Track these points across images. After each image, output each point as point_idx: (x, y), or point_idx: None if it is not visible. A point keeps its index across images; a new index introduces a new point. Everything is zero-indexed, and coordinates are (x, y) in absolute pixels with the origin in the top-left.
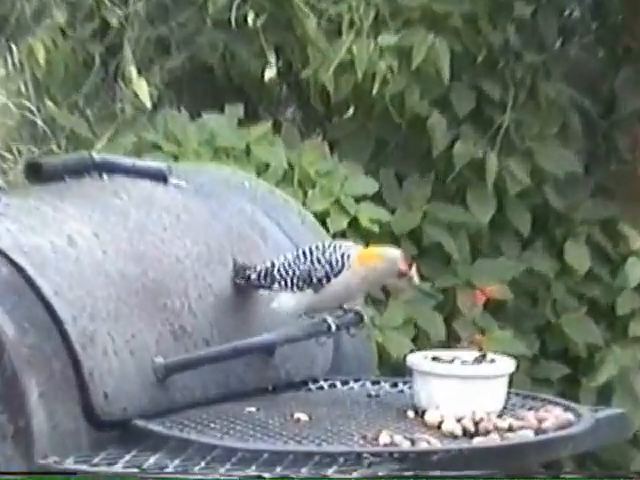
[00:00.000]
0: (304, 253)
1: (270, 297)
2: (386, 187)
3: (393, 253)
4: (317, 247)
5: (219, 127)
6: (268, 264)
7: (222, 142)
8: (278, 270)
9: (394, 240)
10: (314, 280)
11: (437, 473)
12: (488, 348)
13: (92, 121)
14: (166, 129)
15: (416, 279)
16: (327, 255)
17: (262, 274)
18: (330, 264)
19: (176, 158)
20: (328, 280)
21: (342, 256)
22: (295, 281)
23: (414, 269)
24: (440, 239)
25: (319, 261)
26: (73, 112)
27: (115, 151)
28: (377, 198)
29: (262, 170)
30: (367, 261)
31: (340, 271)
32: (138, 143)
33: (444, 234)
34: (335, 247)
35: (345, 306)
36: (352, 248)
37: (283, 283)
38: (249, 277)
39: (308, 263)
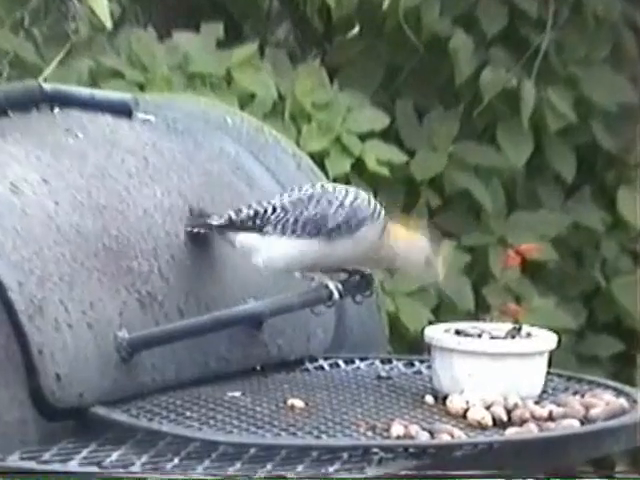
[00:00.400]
0: (316, 193)
1: (250, 253)
2: (403, 123)
3: (423, 240)
4: (335, 188)
5: (194, 49)
6: (259, 205)
7: (198, 67)
8: (274, 210)
9: (410, 188)
10: (331, 225)
11: (462, 472)
12: (525, 320)
13: (40, 43)
14: (130, 52)
15: (440, 274)
16: (351, 198)
17: (251, 214)
18: (357, 210)
19: (142, 88)
20: (349, 229)
21: (375, 206)
22: (301, 224)
23: (440, 261)
24: (469, 186)
25: (341, 204)
26: (17, 32)
27: (68, 79)
28: (390, 137)
29: (247, 102)
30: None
31: (365, 221)
32: (96, 69)
33: (473, 180)
34: (361, 194)
35: (349, 267)
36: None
37: (280, 227)
38: (230, 218)
39: (324, 204)
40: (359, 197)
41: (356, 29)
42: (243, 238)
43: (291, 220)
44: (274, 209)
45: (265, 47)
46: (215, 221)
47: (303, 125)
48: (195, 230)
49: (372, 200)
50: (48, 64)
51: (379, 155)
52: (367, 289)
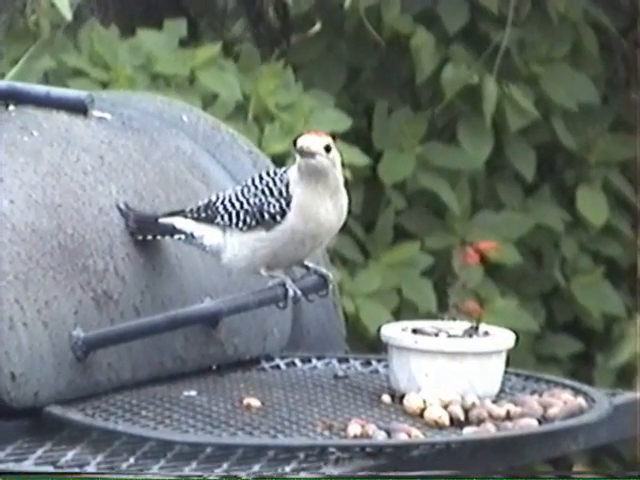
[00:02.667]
0: (253, 182)
1: (218, 254)
2: (376, 124)
3: None
4: (269, 173)
5: (158, 48)
6: (208, 198)
7: (162, 68)
8: (222, 202)
9: (376, 189)
10: (266, 215)
11: (419, 472)
12: (487, 321)
13: None
14: (91, 50)
15: None
16: (278, 181)
17: (201, 207)
18: (282, 193)
19: (104, 86)
20: (283, 215)
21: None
22: (243, 216)
23: None
24: (435, 188)
25: (271, 192)
26: None
27: (26, 77)
28: (351, 137)
29: (210, 102)
30: None
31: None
32: (56, 68)
33: (439, 182)
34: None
35: (310, 265)
36: None
37: (227, 217)
38: (182, 211)
39: (260, 194)
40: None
41: (317, 27)
42: (204, 234)
43: (233, 213)
44: (223, 201)
45: (229, 46)
46: (164, 217)
47: (266, 125)
48: (141, 236)
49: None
50: (6, 61)
51: (342, 157)
52: (323, 289)
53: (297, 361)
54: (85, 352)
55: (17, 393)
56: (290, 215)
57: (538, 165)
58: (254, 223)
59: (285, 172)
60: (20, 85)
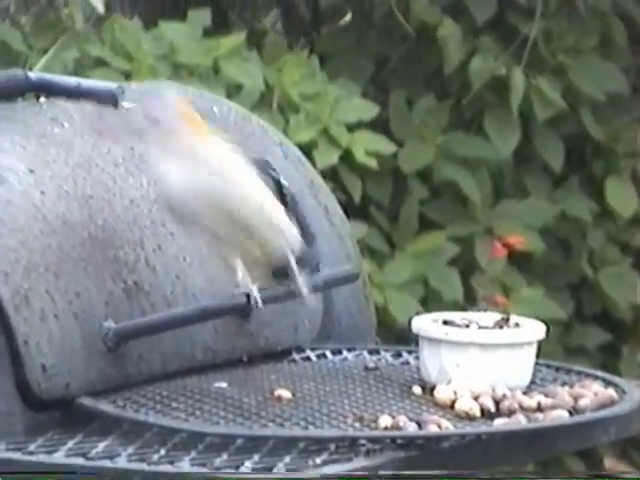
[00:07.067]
0: None
1: None
2: (394, 114)
3: None
4: None
5: (180, 39)
6: None
7: (184, 57)
8: None
9: (399, 178)
10: None
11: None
12: (513, 310)
13: (27, 31)
14: (114, 41)
15: None
16: None
17: None
18: None
19: (128, 77)
20: None
21: None
22: None
23: None
24: (456, 178)
25: None
26: (3, 19)
27: (54, 68)
28: (378, 127)
29: (234, 92)
30: None
31: None
32: (81, 58)
33: (461, 172)
34: None
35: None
36: None
37: None
38: None
39: None
40: None
41: (347, 18)
42: None
43: None
44: None
45: (252, 36)
46: None
47: (291, 115)
48: None
49: None
50: (35, 52)
51: (367, 146)
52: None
53: (328, 353)
54: (116, 343)
55: (48, 385)
56: None
57: (566, 156)
58: None
59: None
60: (50, 76)
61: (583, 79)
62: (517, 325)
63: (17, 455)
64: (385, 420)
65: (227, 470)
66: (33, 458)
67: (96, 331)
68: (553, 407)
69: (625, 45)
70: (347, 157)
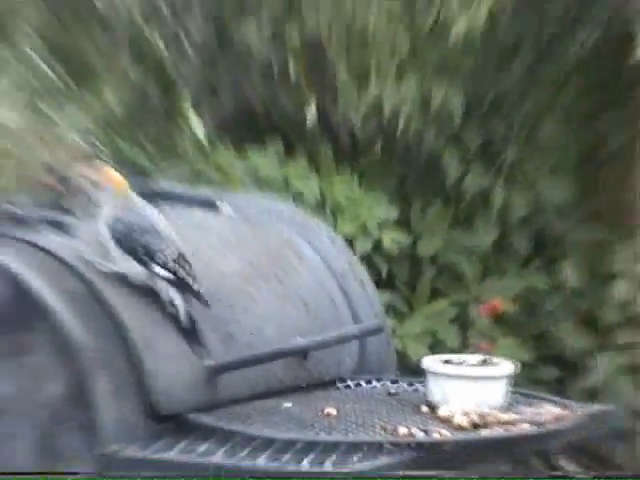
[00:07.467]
0: None
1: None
2: (412, 215)
3: None
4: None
5: (262, 161)
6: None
7: (264, 174)
8: None
9: (413, 261)
10: None
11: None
12: (493, 353)
13: (152, 153)
14: (216, 162)
15: None
16: None
17: None
18: None
19: (225, 188)
20: None
21: None
22: None
23: None
24: (455, 260)
25: None
26: (136, 146)
27: (171, 181)
28: (403, 224)
29: (298, 199)
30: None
31: None
32: (192, 174)
33: (459, 256)
34: None
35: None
36: None
37: None
38: None
39: None
40: None
41: (377, 146)
42: None
43: None
44: None
45: (312, 159)
46: None
47: (339, 215)
48: None
49: None
50: (156, 167)
51: (392, 238)
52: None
53: (362, 382)
54: (214, 375)
55: (165, 405)
56: None
57: (533, 245)
58: None
59: None
60: (168, 185)
61: (545, 190)
62: (495, 364)
63: (144, 453)
64: (402, 430)
65: (291, 465)
66: (155, 456)
67: (201, 367)
68: (521, 421)
69: (574, 165)
70: (378, 246)
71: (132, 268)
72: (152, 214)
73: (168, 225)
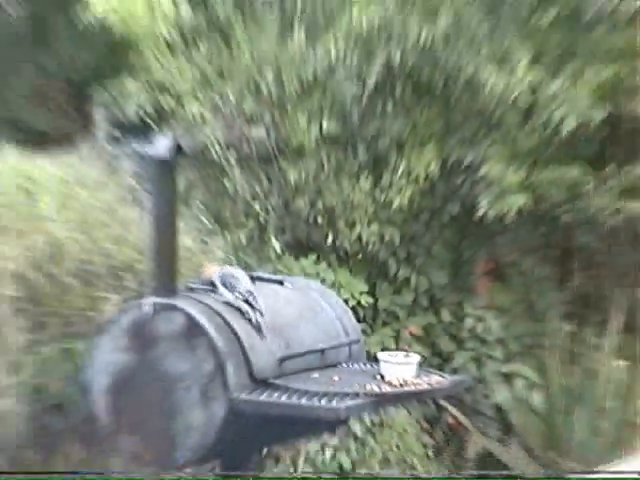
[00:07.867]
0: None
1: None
2: (377, 289)
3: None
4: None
5: (306, 263)
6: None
7: (307, 270)
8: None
9: (375, 310)
10: None
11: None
12: (411, 351)
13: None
14: (284, 264)
15: None
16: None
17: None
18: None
19: (288, 275)
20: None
21: None
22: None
23: None
24: (395, 309)
25: None
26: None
27: (264, 271)
28: (369, 293)
29: (323, 281)
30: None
31: None
32: (273, 270)
33: (396, 307)
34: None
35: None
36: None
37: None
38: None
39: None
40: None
41: (359, 255)
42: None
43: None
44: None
45: (322, 254)
46: None
47: (340, 288)
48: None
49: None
50: (258, 267)
51: (365, 299)
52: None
53: (350, 365)
54: (281, 361)
55: (258, 373)
56: None
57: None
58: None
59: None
60: (261, 274)
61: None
62: (411, 356)
63: (249, 397)
64: (368, 387)
65: (315, 403)
66: (253, 398)
67: (275, 357)
68: (423, 384)
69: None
70: (359, 303)
71: (228, 296)
72: (237, 273)
73: (247, 278)
